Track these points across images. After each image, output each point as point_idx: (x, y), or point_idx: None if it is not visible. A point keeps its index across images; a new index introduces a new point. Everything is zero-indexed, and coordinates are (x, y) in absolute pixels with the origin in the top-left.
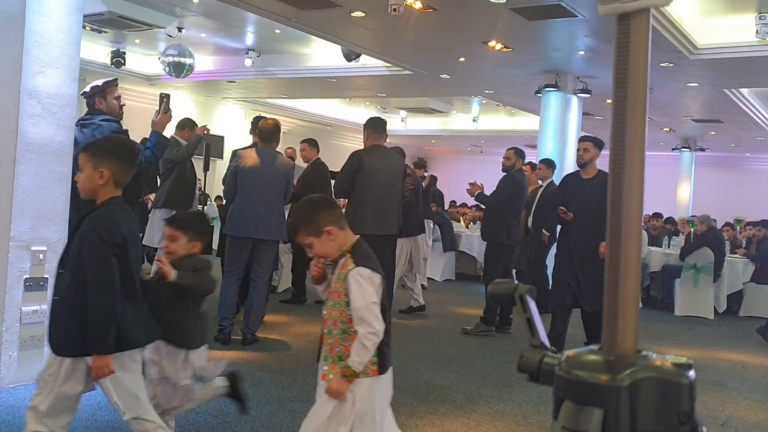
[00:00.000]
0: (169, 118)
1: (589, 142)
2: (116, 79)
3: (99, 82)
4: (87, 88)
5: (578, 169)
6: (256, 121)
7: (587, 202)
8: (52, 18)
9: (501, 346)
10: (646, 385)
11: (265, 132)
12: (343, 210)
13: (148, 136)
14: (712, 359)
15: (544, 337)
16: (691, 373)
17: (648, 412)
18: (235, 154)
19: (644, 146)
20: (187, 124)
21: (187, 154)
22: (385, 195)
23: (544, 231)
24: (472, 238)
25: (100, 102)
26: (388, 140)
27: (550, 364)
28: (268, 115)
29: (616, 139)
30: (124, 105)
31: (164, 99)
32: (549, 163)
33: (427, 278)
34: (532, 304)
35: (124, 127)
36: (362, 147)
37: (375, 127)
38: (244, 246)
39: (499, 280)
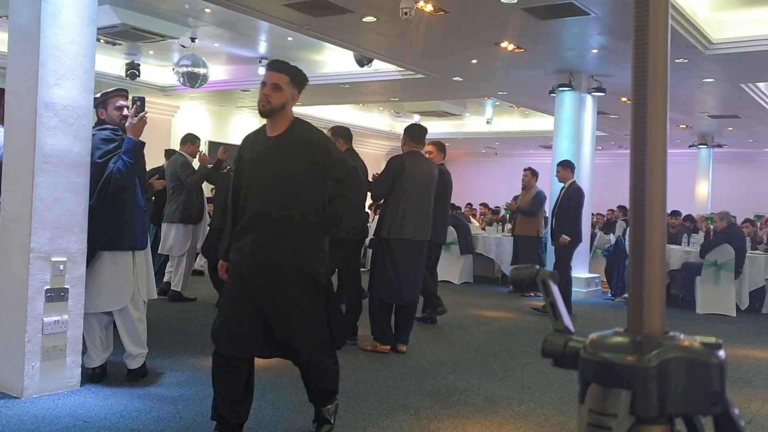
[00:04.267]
0: (144, 122)
1: None
2: (117, 89)
3: (98, 94)
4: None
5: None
6: None
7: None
8: (67, 30)
9: (521, 348)
10: (674, 366)
11: None
12: (377, 214)
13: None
14: (735, 357)
15: (568, 321)
16: (721, 353)
17: (677, 392)
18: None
19: (666, 125)
20: (188, 139)
21: (195, 184)
22: (422, 200)
23: (564, 235)
24: (489, 240)
25: (102, 113)
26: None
27: (574, 348)
28: None
29: (638, 116)
30: (127, 115)
31: (137, 102)
32: (567, 164)
33: (445, 281)
34: (555, 288)
35: (121, 135)
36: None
37: (413, 133)
38: None
39: (519, 265)
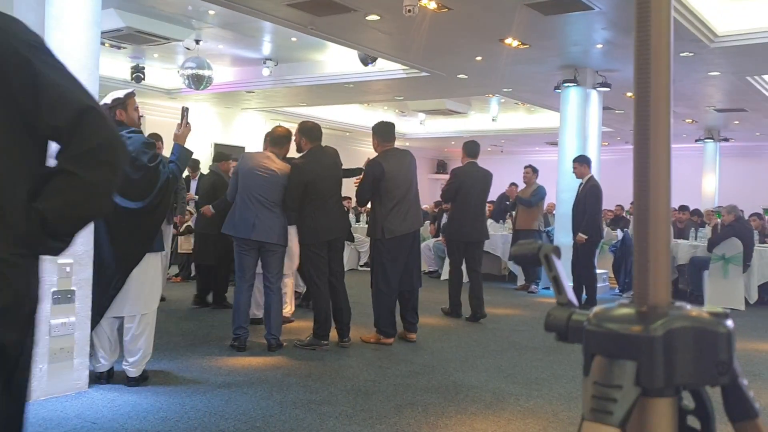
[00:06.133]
0: (189, 130)
1: None
2: (133, 90)
3: (120, 94)
4: (108, 100)
5: None
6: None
7: None
8: (71, 32)
9: (528, 344)
10: (681, 335)
11: (274, 137)
12: (365, 215)
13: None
14: (745, 350)
15: (571, 294)
16: (729, 322)
17: (684, 362)
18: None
19: (670, 97)
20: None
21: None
22: (407, 194)
23: (580, 234)
24: (495, 238)
25: (121, 114)
26: (408, 144)
27: (578, 321)
28: (287, 124)
29: (640, 89)
30: (142, 116)
31: (185, 112)
32: (583, 160)
33: None
34: (558, 263)
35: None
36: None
37: (383, 132)
38: (248, 249)
39: (522, 241)
